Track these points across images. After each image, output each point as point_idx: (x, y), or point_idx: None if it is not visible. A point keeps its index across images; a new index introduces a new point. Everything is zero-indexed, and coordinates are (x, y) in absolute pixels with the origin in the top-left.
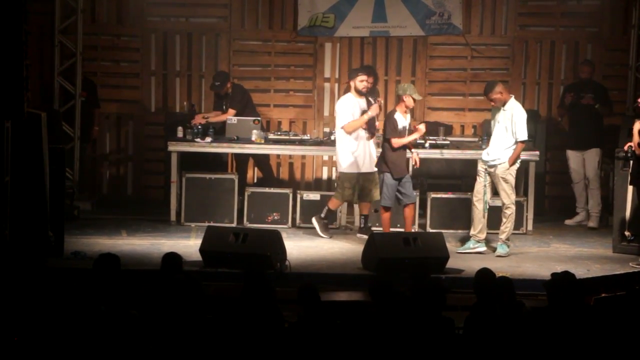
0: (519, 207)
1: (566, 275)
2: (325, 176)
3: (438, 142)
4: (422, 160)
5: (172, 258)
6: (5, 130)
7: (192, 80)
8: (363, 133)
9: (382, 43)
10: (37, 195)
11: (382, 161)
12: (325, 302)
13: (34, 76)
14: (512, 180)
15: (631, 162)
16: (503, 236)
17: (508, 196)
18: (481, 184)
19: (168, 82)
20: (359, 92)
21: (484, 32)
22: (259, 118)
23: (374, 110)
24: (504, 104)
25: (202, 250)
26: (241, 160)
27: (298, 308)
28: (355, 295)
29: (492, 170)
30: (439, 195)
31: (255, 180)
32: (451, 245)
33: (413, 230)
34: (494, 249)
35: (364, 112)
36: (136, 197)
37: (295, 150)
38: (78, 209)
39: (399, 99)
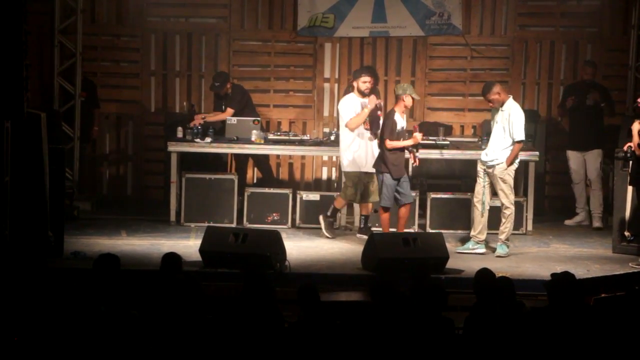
0: (519, 207)
1: (566, 276)
2: (325, 176)
3: (438, 142)
4: (421, 160)
5: (172, 258)
6: (5, 130)
7: (191, 80)
8: (366, 133)
9: (382, 43)
10: (37, 195)
11: (380, 161)
12: (325, 302)
13: (34, 76)
14: (511, 181)
15: (631, 162)
16: (502, 236)
17: (507, 196)
18: (481, 184)
19: (168, 83)
20: (361, 93)
21: (484, 32)
22: (258, 118)
23: (372, 102)
24: (502, 105)
25: (202, 250)
26: (241, 161)
27: (298, 308)
28: (355, 295)
29: (490, 170)
30: (438, 196)
31: (255, 181)
32: (451, 246)
33: (412, 231)
34: (494, 250)
35: None
36: (136, 197)
37: (295, 151)
38: (78, 209)
39: (397, 99)
